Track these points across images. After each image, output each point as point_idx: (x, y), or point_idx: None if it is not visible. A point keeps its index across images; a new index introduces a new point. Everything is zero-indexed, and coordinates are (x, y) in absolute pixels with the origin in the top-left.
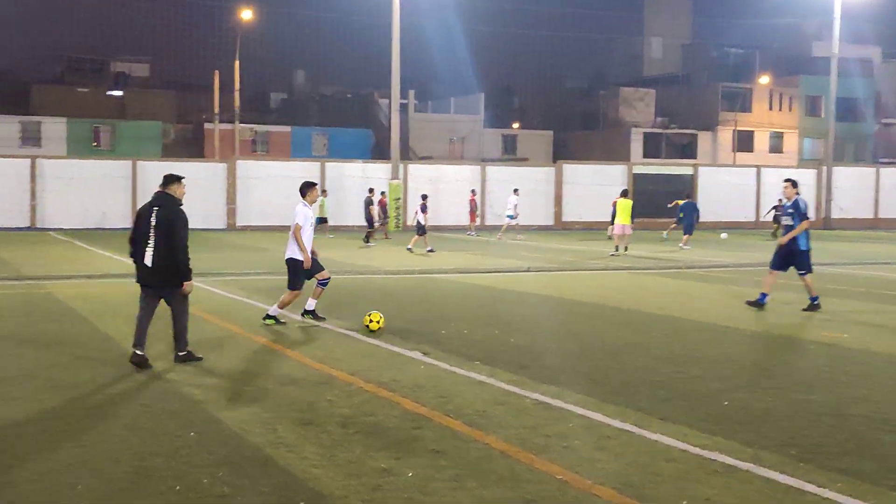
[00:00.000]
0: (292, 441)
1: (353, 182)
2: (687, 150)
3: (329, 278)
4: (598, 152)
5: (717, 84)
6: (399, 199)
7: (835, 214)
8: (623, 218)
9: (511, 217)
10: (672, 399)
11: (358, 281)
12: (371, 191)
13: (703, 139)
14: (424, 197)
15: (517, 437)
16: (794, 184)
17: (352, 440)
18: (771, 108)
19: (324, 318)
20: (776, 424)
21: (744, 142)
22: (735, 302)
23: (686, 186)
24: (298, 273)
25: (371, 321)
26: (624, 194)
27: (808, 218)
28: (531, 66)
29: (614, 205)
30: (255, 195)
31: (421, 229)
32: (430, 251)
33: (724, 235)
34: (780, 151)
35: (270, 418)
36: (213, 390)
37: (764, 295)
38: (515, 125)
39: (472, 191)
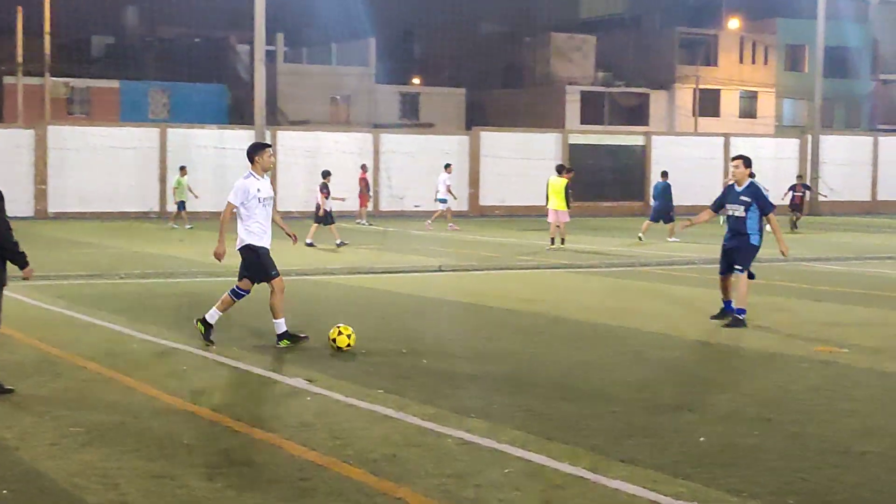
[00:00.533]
0: (141, 500)
1: (205, 154)
2: (637, 114)
3: (248, 293)
4: (525, 117)
5: (674, 30)
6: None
7: (822, 196)
8: (557, 202)
9: (443, 201)
10: (635, 435)
11: (212, 285)
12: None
13: (657, 100)
14: (326, 174)
15: (439, 488)
16: (748, 162)
17: (221, 498)
18: (742, 61)
19: (212, 342)
20: (767, 466)
21: (708, 104)
22: (708, 310)
23: (636, 160)
24: (261, 261)
25: (340, 334)
26: (559, 171)
27: (773, 208)
28: (437, 5)
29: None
30: (74, 172)
31: (326, 217)
32: (342, 244)
33: None
34: (754, 116)
35: (110, 469)
36: (31, 433)
37: (727, 302)
38: (417, 81)
39: (363, 166)
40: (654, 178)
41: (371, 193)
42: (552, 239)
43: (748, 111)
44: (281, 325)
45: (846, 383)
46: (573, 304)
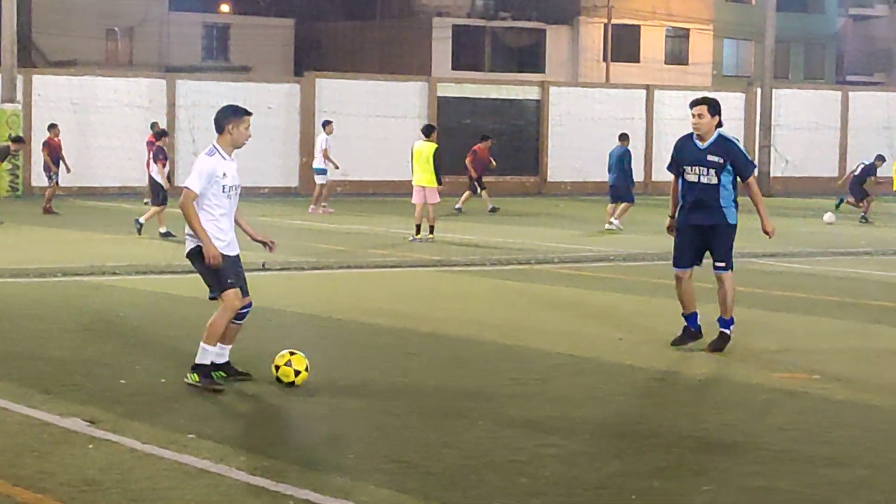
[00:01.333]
0: None
1: None
2: (529, 56)
3: (249, 307)
4: (377, 59)
5: None
6: (17, 142)
7: (775, 172)
8: (423, 175)
9: (321, 172)
10: (545, 493)
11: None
12: (161, 136)
13: (556, 39)
14: (160, 135)
15: None
16: (714, 108)
17: None
18: None
19: (248, 375)
20: None
21: (624, 45)
22: (635, 323)
23: (527, 119)
24: (219, 270)
25: (289, 364)
26: (427, 134)
27: (755, 168)
28: None
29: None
30: None
31: (160, 195)
32: (165, 235)
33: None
34: (684, 62)
35: None
36: None
37: (690, 316)
38: (226, 8)
39: (153, 125)
40: (554, 141)
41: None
42: (417, 226)
43: (677, 55)
44: (207, 354)
45: (820, 421)
46: (451, 315)
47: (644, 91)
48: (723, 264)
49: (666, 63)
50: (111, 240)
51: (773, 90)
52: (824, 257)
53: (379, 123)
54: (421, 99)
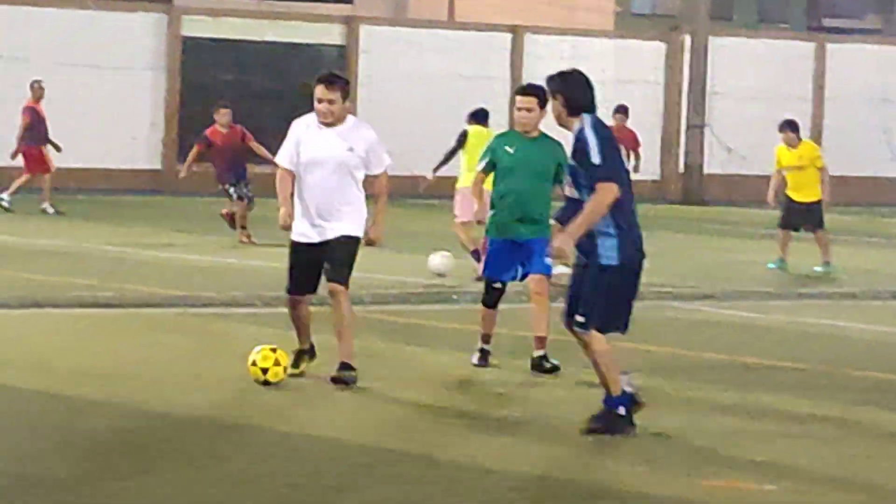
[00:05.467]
0: None
1: None
2: None
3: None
4: None
5: None
6: None
7: (713, 167)
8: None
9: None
10: None
11: None
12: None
13: None
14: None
15: None
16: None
17: None
18: None
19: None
20: None
21: None
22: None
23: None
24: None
25: (267, 358)
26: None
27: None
28: None
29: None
30: None
31: None
32: None
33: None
34: None
35: None
36: None
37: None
38: None
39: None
40: (363, 110)
41: None
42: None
43: None
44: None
45: None
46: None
47: (509, 35)
48: (582, 318)
49: None
50: None
51: (710, 38)
52: (775, 300)
53: (89, 77)
54: (156, 40)
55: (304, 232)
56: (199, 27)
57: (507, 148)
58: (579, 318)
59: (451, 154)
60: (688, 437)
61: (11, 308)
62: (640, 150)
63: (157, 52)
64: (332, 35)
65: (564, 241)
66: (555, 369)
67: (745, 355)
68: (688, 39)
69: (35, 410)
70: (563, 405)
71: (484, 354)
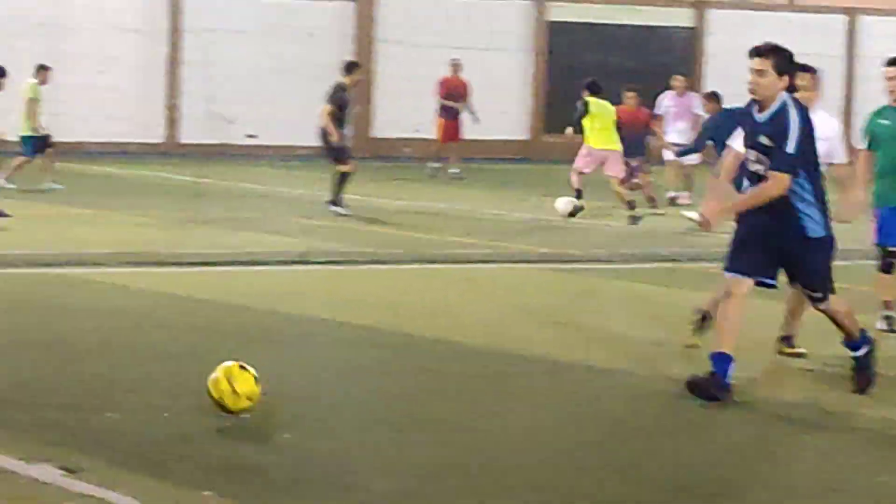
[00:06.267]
0: None
1: None
2: None
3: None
4: None
5: None
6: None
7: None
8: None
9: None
10: None
11: None
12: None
13: None
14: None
15: None
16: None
17: None
18: None
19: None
20: None
21: None
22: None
23: (674, 55)
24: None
25: (234, 388)
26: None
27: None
28: None
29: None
30: None
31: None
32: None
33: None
34: None
35: None
36: None
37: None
38: None
39: None
40: (713, 86)
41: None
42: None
43: None
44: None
45: None
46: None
47: (843, 16)
48: (820, 294)
49: None
50: (92, 218)
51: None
52: None
53: (465, 58)
54: (524, 25)
55: None
56: (563, 13)
57: (882, 121)
58: (816, 295)
59: (579, 120)
60: None
61: (404, 264)
62: None
63: (524, 35)
64: (682, 18)
65: (720, 215)
66: None
67: None
68: None
69: (427, 355)
70: None
71: (888, 320)
